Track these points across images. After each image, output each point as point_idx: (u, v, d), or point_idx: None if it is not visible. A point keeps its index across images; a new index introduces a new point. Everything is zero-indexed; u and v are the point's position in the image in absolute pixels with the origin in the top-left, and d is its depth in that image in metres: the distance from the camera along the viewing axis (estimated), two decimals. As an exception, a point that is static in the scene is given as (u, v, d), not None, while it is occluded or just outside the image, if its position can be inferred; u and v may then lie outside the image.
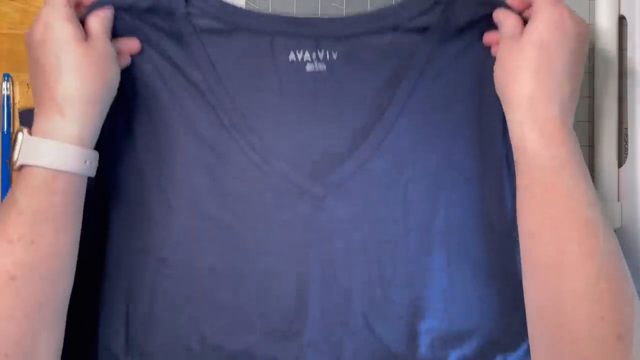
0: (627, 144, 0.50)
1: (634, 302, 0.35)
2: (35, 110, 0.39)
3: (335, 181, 0.46)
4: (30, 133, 0.38)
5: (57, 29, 0.38)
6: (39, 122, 0.38)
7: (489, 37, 0.45)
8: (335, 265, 0.45)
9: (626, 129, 0.50)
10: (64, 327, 0.39)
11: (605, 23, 0.50)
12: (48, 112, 0.38)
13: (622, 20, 0.50)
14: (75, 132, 0.38)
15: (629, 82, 0.49)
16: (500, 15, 0.43)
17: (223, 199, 0.46)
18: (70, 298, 0.40)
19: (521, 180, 0.40)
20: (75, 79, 0.38)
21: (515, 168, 0.41)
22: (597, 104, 0.50)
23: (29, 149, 0.37)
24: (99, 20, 0.41)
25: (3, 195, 0.48)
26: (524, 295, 0.40)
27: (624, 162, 0.50)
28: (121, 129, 0.46)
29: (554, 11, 0.39)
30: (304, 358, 0.44)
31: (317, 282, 0.45)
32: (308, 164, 0.46)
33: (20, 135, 0.37)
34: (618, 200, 0.50)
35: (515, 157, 0.40)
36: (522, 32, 0.40)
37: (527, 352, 0.44)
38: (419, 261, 0.46)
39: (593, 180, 0.47)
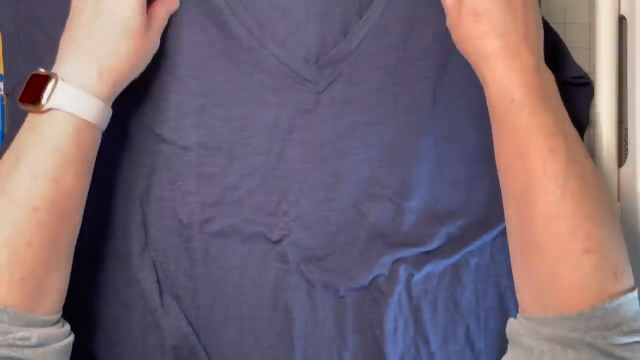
0: (627, 144, 0.50)
1: (602, 218, 0.38)
2: (67, 56, 0.41)
3: (329, 64, 0.47)
4: (56, 79, 0.39)
5: (130, 7, 0.41)
6: (72, 73, 0.40)
7: None
8: (324, 147, 0.47)
9: (626, 129, 0.50)
10: (71, 262, 0.41)
11: (605, 23, 0.50)
12: (86, 69, 0.40)
13: (622, 20, 0.50)
14: (107, 95, 0.41)
15: (629, 82, 0.49)
16: None
17: (217, 80, 0.47)
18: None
19: (493, 127, 0.42)
20: (126, 57, 0.42)
21: (490, 117, 0.43)
22: (597, 104, 0.50)
23: (65, 96, 0.39)
24: (166, 10, 0.45)
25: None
26: (507, 230, 0.42)
27: (624, 162, 0.50)
28: None
29: None
30: (289, 231, 0.47)
31: (307, 163, 0.47)
32: (302, 46, 0.47)
33: (53, 79, 0.39)
34: (618, 200, 0.50)
35: (488, 107, 0.43)
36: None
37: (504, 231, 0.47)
38: (407, 142, 0.47)
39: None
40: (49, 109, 0.39)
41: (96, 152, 0.43)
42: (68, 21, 0.42)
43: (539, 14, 0.44)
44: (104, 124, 0.42)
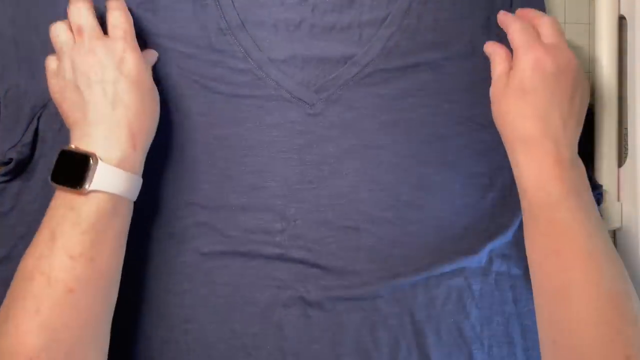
0: (627, 144, 0.50)
1: (636, 321, 0.37)
2: (96, 131, 0.39)
3: (327, 88, 0.48)
4: (95, 159, 0.38)
5: (138, 65, 0.41)
6: (108, 147, 0.39)
7: (488, 46, 0.47)
8: (323, 168, 0.47)
9: (626, 129, 0.50)
10: (109, 336, 0.41)
11: (605, 23, 0.50)
12: (121, 141, 0.40)
13: (622, 20, 0.50)
14: (139, 162, 0.41)
15: (629, 82, 0.49)
16: (490, 49, 0.46)
17: (215, 100, 0.47)
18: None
19: (525, 214, 0.42)
20: (148, 114, 0.42)
21: (521, 205, 0.43)
22: (597, 104, 0.50)
23: (105, 177, 0.38)
24: (153, 58, 0.46)
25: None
26: (537, 322, 0.41)
27: (624, 162, 0.50)
28: None
29: (529, 57, 0.41)
30: (285, 250, 0.47)
31: (305, 184, 0.47)
32: (301, 71, 0.48)
33: (91, 161, 0.38)
34: (618, 200, 0.50)
35: (519, 194, 0.43)
36: (510, 71, 0.43)
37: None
38: (407, 168, 0.48)
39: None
40: (90, 191, 0.38)
41: (129, 225, 0.42)
42: (71, 101, 0.41)
43: (587, 97, 0.43)
44: (136, 196, 0.42)
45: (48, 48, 0.44)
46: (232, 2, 0.48)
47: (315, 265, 0.47)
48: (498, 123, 0.44)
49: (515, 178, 0.43)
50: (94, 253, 0.38)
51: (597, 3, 0.50)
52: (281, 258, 0.47)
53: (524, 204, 0.42)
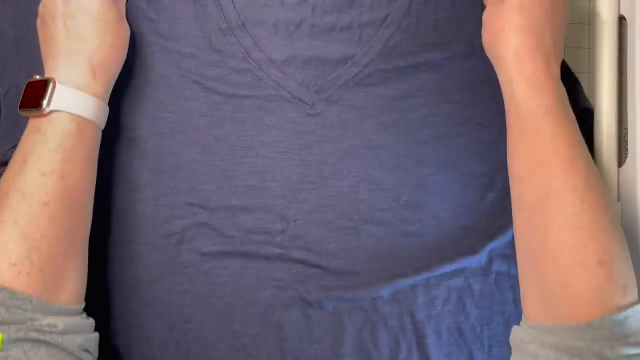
0: (627, 144, 0.50)
1: (616, 231, 0.38)
2: (56, 62, 0.42)
3: (327, 88, 0.48)
4: (54, 82, 0.41)
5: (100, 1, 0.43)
6: (67, 75, 0.42)
7: None
8: (324, 168, 0.48)
9: (626, 129, 0.50)
10: (87, 255, 0.43)
11: (605, 23, 0.50)
12: (80, 70, 0.42)
13: (622, 20, 0.50)
14: (101, 91, 0.43)
15: (629, 82, 0.49)
16: None
17: (215, 101, 0.48)
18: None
19: (511, 130, 0.43)
20: (110, 48, 0.44)
21: (506, 121, 0.43)
22: (597, 104, 0.50)
23: (63, 98, 0.41)
24: None
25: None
26: (515, 239, 0.43)
27: (624, 162, 0.50)
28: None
29: None
30: (286, 250, 0.47)
31: (305, 184, 0.47)
32: (301, 71, 0.48)
33: (51, 84, 0.41)
34: (618, 200, 0.50)
35: (506, 111, 0.43)
36: None
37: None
38: (408, 168, 0.48)
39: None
40: (50, 112, 0.41)
41: (98, 149, 0.44)
42: (42, 35, 0.43)
43: (567, 19, 0.45)
44: (102, 122, 0.44)
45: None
46: (233, 2, 0.48)
47: (315, 266, 0.47)
48: (491, 43, 0.44)
49: (505, 94, 0.43)
50: (64, 171, 0.40)
51: (597, 3, 0.50)
52: (281, 258, 0.47)
53: (512, 118, 0.42)
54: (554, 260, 0.38)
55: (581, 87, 0.50)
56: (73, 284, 0.41)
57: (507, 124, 0.43)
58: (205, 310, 0.46)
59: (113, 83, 0.45)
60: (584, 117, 0.49)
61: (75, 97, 0.41)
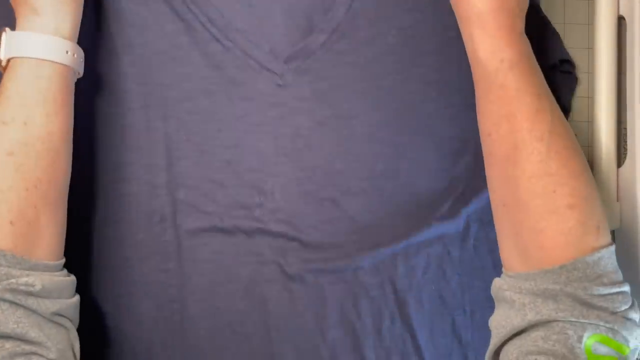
0: (626, 144, 0.50)
1: (585, 174, 0.38)
2: (15, 14, 0.42)
3: (295, 58, 0.47)
4: (4, 31, 0.40)
5: None
6: (19, 23, 0.41)
7: None
8: (297, 140, 0.47)
9: (625, 129, 0.50)
10: (66, 208, 0.42)
11: (605, 23, 0.50)
12: (24, 13, 0.41)
13: (621, 20, 0.50)
14: (51, 26, 0.41)
15: (628, 82, 0.49)
16: None
17: (184, 72, 0.47)
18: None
19: (477, 87, 0.42)
20: None
21: (473, 79, 0.42)
22: (597, 104, 0.50)
23: (13, 44, 0.40)
24: None
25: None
26: (489, 195, 0.42)
27: (623, 162, 0.49)
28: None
29: None
30: (264, 224, 0.46)
31: (280, 156, 0.47)
32: (268, 40, 0.47)
33: (3, 34, 0.40)
34: (617, 201, 0.49)
35: (472, 69, 0.43)
36: None
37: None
38: (381, 136, 0.47)
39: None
40: (8, 61, 0.40)
41: (70, 91, 0.42)
42: None
43: None
44: (64, 58, 0.41)
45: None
46: None
47: (294, 239, 0.46)
48: (455, 2, 0.43)
49: (469, 53, 0.43)
50: (25, 117, 0.39)
51: (597, 3, 0.50)
52: (260, 232, 0.46)
53: (477, 75, 0.42)
54: (525, 209, 0.38)
55: (559, 38, 0.49)
56: (50, 237, 0.39)
57: (474, 82, 0.43)
58: (189, 288, 0.46)
59: (72, 16, 0.42)
60: (564, 67, 0.48)
61: (21, 39, 0.40)
